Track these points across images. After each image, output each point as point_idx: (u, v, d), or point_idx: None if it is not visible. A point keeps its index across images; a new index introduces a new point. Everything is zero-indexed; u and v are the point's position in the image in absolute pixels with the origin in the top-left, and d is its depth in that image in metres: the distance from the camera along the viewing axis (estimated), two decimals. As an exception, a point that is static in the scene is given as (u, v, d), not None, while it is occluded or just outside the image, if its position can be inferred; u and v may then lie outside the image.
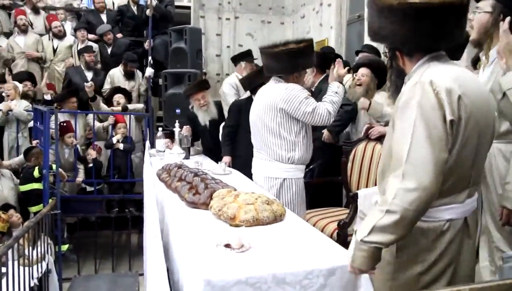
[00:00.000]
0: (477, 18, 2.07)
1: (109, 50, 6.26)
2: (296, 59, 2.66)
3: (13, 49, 6.00)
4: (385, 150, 1.57)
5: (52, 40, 6.16)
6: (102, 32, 6.18)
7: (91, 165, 4.95)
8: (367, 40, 5.12)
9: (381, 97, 3.45)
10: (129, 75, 5.84)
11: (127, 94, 5.56)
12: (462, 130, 1.39)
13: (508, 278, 1.16)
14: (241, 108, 3.70)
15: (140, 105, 5.55)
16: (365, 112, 3.52)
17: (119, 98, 5.41)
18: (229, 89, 5.25)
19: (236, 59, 5.57)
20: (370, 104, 3.33)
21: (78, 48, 6.08)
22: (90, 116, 5.31)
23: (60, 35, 6.15)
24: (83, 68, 5.84)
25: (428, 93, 1.36)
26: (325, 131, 3.75)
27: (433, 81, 1.38)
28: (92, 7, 6.72)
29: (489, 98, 1.57)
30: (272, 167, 2.74)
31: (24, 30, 6.02)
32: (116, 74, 5.86)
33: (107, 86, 5.84)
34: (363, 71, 3.56)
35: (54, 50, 6.16)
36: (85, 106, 5.47)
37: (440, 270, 1.49)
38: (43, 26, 6.45)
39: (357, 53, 4.64)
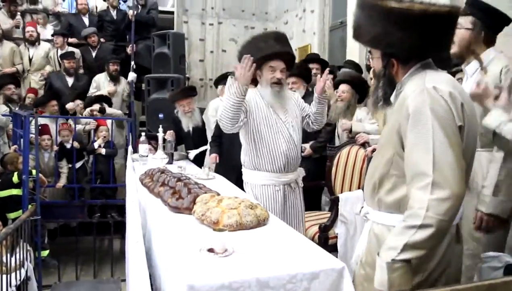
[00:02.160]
0: (458, 33, 2.13)
1: (93, 54, 6.19)
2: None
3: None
4: (385, 158, 1.50)
5: (28, 48, 6.03)
6: (86, 34, 6.11)
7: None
8: (349, 46, 5.20)
9: (361, 112, 3.55)
10: (114, 79, 5.77)
11: (108, 101, 5.50)
12: (465, 137, 1.41)
13: (487, 279, 1.18)
14: None
15: (119, 112, 5.46)
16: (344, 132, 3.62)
17: (79, 104, 5.35)
18: (214, 113, 5.21)
19: (217, 83, 5.54)
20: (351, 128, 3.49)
21: (59, 54, 5.99)
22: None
23: (32, 40, 5.99)
24: (64, 73, 5.76)
25: (438, 100, 1.36)
26: (307, 148, 3.71)
27: (436, 87, 1.38)
28: (74, 11, 6.64)
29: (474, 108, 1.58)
30: None
31: None
32: (102, 79, 5.80)
33: (92, 90, 5.77)
34: (343, 87, 3.68)
35: (30, 60, 6.03)
36: (67, 112, 5.39)
37: (436, 277, 1.48)
38: (21, 33, 6.32)
39: (339, 68, 4.76)
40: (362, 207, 1.67)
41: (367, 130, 3.41)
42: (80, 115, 5.26)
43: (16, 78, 5.59)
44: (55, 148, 4.89)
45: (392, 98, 1.57)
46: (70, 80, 5.75)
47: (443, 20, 1.42)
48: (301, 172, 2.84)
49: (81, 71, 6.16)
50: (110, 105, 5.52)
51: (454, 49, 2.18)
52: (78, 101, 5.34)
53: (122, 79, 5.94)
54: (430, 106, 1.34)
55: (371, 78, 3.35)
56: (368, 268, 1.57)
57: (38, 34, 6.12)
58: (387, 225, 1.51)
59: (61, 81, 5.71)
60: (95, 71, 5.97)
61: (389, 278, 1.31)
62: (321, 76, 2.73)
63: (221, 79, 5.28)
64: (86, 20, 6.50)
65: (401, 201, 1.46)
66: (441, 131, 1.32)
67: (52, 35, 6.22)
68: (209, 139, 3.92)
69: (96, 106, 5.18)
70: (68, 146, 4.97)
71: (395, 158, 1.46)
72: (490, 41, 2.22)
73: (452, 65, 2.90)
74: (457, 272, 1.56)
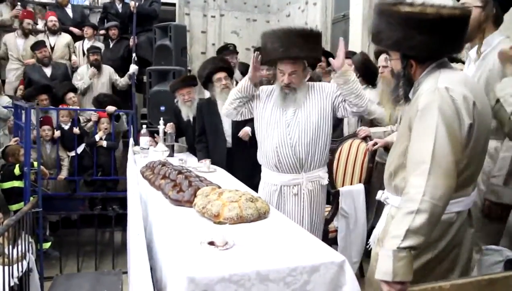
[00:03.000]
0: None
1: (110, 45, 6.18)
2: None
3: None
4: (400, 150, 1.64)
5: (48, 37, 5.96)
6: (108, 27, 6.13)
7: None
8: (352, 39, 5.17)
9: (368, 93, 3.51)
10: (96, 67, 5.67)
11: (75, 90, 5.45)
12: (475, 132, 1.52)
13: (487, 274, 1.18)
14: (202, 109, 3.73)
15: (112, 108, 5.36)
16: None
17: (72, 97, 5.30)
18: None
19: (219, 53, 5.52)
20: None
21: (85, 46, 5.98)
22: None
23: (55, 30, 5.96)
24: (39, 65, 5.64)
25: (447, 100, 1.47)
26: None
27: (449, 88, 1.49)
28: (53, 1, 6.51)
29: (488, 101, 1.69)
30: None
31: None
32: (84, 71, 5.72)
33: (77, 82, 5.68)
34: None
35: (52, 48, 5.95)
36: (59, 103, 5.34)
37: (445, 255, 1.61)
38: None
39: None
40: (383, 193, 1.80)
41: (374, 110, 3.44)
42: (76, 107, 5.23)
43: None
44: (57, 133, 4.87)
45: (410, 95, 1.69)
46: (47, 71, 5.65)
47: (457, 21, 1.54)
48: (316, 178, 2.57)
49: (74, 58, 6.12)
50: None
51: None
52: (71, 94, 5.31)
53: (105, 68, 5.79)
54: (438, 105, 1.46)
55: (379, 67, 3.37)
56: (377, 247, 1.69)
57: (60, 24, 6.07)
58: None
59: (38, 72, 5.61)
60: (109, 64, 5.91)
61: (394, 267, 1.35)
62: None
63: (222, 50, 5.29)
64: (69, 11, 6.45)
65: None
66: (445, 128, 1.44)
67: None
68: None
69: (112, 108, 5.15)
70: (66, 127, 4.95)
71: (408, 149, 1.57)
72: (499, 20, 2.14)
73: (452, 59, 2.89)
74: (468, 255, 1.68)
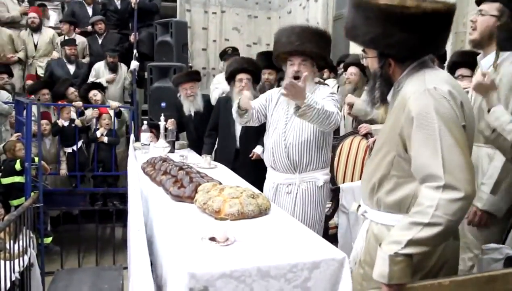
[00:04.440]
0: (481, 20, 2.07)
1: (99, 42, 6.17)
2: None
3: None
4: (386, 159, 1.49)
5: (32, 35, 5.99)
6: (93, 21, 6.11)
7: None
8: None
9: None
10: (112, 68, 5.77)
11: (103, 88, 5.48)
12: (466, 135, 1.40)
13: (487, 271, 1.18)
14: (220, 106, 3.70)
15: (116, 104, 5.39)
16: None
17: (94, 94, 5.31)
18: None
19: (221, 57, 5.54)
20: (353, 105, 3.42)
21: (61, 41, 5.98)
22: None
23: (34, 27, 5.95)
24: (65, 61, 5.74)
25: (441, 101, 1.35)
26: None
27: (437, 88, 1.37)
28: None
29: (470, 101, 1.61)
30: None
31: None
32: (101, 68, 5.79)
33: (91, 79, 5.78)
34: (352, 70, 3.81)
35: (35, 46, 6.01)
36: (60, 99, 5.34)
37: (434, 274, 1.49)
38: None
39: (338, 63, 4.82)
40: (359, 206, 1.66)
41: (367, 111, 3.40)
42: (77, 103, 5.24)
43: (9, 68, 5.54)
44: (60, 122, 4.87)
45: (389, 97, 1.56)
46: (71, 68, 5.73)
47: (441, 18, 1.41)
48: (311, 179, 2.54)
49: (87, 59, 6.14)
50: (104, 92, 5.50)
51: (474, 35, 2.11)
52: (72, 89, 5.31)
53: (122, 67, 5.90)
54: (434, 108, 1.34)
55: None
56: (367, 267, 1.57)
57: (41, 21, 6.08)
58: (387, 225, 1.51)
59: (62, 68, 5.69)
60: (101, 59, 5.94)
61: (390, 270, 1.31)
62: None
63: (225, 53, 5.29)
64: (90, 9, 6.49)
65: (402, 201, 1.47)
66: (448, 132, 1.32)
67: (60, 22, 6.20)
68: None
69: (115, 104, 5.14)
70: (66, 123, 4.95)
71: (396, 159, 1.46)
72: None
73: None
74: (455, 267, 1.58)
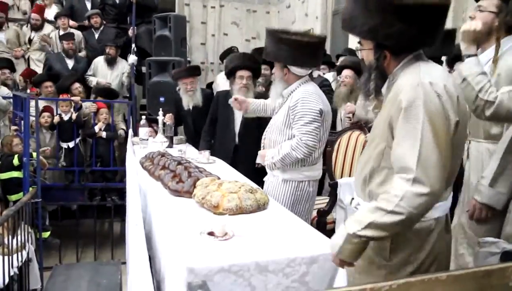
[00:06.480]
0: (481, 16, 2.07)
1: (96, 36, 6.15)
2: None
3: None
4: (376, 151, 1.51)
5: (31, 30, 6.02)
6: (89, 15, 6.08)
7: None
8: (351, 31, 5.15)
9: None
10: (110, 62, 5.74)
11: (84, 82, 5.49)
12: (458, 131, 1.41)
13: (484, 265, 1.19)
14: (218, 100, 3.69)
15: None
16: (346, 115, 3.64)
17: (78, 87, 5.28)
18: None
19: (222, 58, 5.52)
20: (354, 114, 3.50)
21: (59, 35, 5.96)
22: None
23: (36, 28, 5.99)
24: (63, 55, 5.73)
25: (431, 96, 1.35)
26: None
27: (432, 82, 1.36)
28: None
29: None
30: None
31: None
32: (100, 63, 5.77)
33: (89, 73, 5.75)
34: (347, 72, 3.78)
35: (30, 40, 6.02)
36: (65, 93, 5.32)
37: (427, 266, 1.50)
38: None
39: (337, 57, 4.83)
40: (353, 198, 1.67)
41: (370, 118, 3.41)
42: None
43: (11, 63, 5.54)
44: (56, 118, 4.86)
45: (383, 90, 1.56)
46: (70, 62, 5.70)
47: (439, 10, 1.42)
48: (277, 174, 2.59)
49: (83, 53, 6.12)
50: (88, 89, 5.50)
51: None
52: (77, 85, 5.30)
53: (120, 62, 5.87)
54: (423, 101, 1.34)
55: None
56: (360, 260, 1.58)
57: (43, 21, 6.08)
58: None
59: (61, 63, 5.66)
60: (97, 54, 5.92)
61: (342, 246, 1.40)
62: None
63: (227, 54, 5.27)
64: (88, 4, 6.46)
65: None
66: (430, 129, 1.33)
67: (55, 17, 6.17)
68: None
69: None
70: (66, 117, 4.94)
71: (386, 150, 1.46)
72: (511, 28, 2.11)
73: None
74: (447, 260, 1.60)
